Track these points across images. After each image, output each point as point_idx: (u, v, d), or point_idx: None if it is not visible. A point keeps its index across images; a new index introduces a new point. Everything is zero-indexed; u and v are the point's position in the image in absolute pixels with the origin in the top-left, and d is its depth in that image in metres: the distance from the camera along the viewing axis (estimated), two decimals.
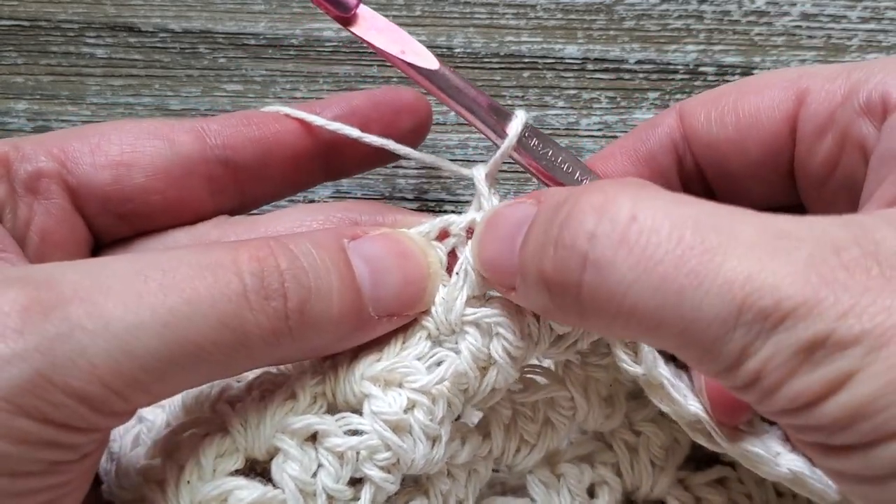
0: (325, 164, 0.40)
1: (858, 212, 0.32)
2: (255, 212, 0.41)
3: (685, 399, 0.33)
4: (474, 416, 0.37)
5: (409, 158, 0.38)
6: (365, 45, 0.36)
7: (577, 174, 0.36)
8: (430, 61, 0.35)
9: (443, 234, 0.35)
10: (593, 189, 0.29)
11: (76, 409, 0.27)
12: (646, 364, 0.33)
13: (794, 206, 0.37)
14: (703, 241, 0.26)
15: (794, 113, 0.34)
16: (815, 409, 0.25)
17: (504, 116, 0.35)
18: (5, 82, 0.56)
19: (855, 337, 0.24)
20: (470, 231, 0.35)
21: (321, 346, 0.32)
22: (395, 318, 0.33)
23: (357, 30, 0.35)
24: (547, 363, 0.37)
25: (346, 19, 0.35)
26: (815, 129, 0.34)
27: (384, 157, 0.39)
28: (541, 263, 0.29)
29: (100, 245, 0.38)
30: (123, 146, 0.37)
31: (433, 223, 0.35)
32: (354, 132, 0.37)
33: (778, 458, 0.32)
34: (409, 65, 0.35)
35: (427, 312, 0.34)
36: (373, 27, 0.35)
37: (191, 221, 0.38)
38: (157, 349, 0.27)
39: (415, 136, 0.41)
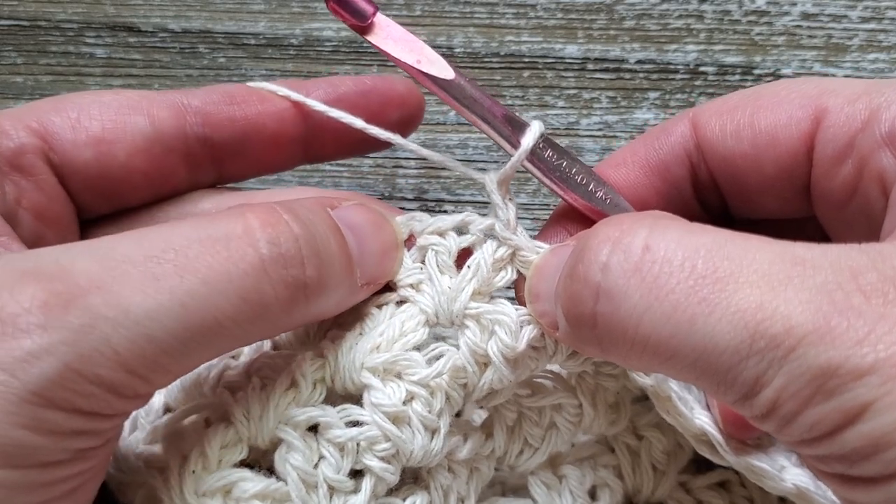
0: (304, 147, 0.39)
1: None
2: (237, 185, 0.41)
3: (692, 412, 0.33)
4: (476, 416, 0.37)
5: (420, 157, 0.37)
6: (380, 52, 0.35)
7: (591, 186, 0.35)
8: (445, 71, 0.34)
9: (408, 239, 0.35)
10: (611, 222, 0.29)
11: (103, 397, 0.27)
12: (656, 376, 0.33)
13: (811, 218, 0.36)
14: (715, 270, 0.26)
15: (812, 133, 0.33)
16: (835, 438, 0.24)
17: (519, 127, 0.35)
18: (5, 82, 0.56)
19: (870, 366, 0.23)
20: (487, 234, 0.35)
21: (321, 313, 0.32)
22: (371, 286, 0.34)
23: (373, 38, 0.35)
24: (558, 369, 0.37)
25: (363, 28, 0.35)
26: (833, 155, 0.33)
27: (366, 146, 0.38)
28: (560, 298, 0.30)
29: (82, 221, 0.37)
30: (104, 122, 0.35)
31: (454, 218, 0.35)
32: (359, 122, 0.36)
33: (783, 472, 0.32)
34: (425, 74, 0.35)
35: (421, 295, 0.34)
36: (389, 36, 0.35)
37: (168, 196, 0.38)
38: (178, 331, 0.27)
39: (402, 128, 0.39)
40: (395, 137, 0.36)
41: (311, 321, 0.33)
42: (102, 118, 0.35)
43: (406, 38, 0.35)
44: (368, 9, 0.34)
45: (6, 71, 0.55)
